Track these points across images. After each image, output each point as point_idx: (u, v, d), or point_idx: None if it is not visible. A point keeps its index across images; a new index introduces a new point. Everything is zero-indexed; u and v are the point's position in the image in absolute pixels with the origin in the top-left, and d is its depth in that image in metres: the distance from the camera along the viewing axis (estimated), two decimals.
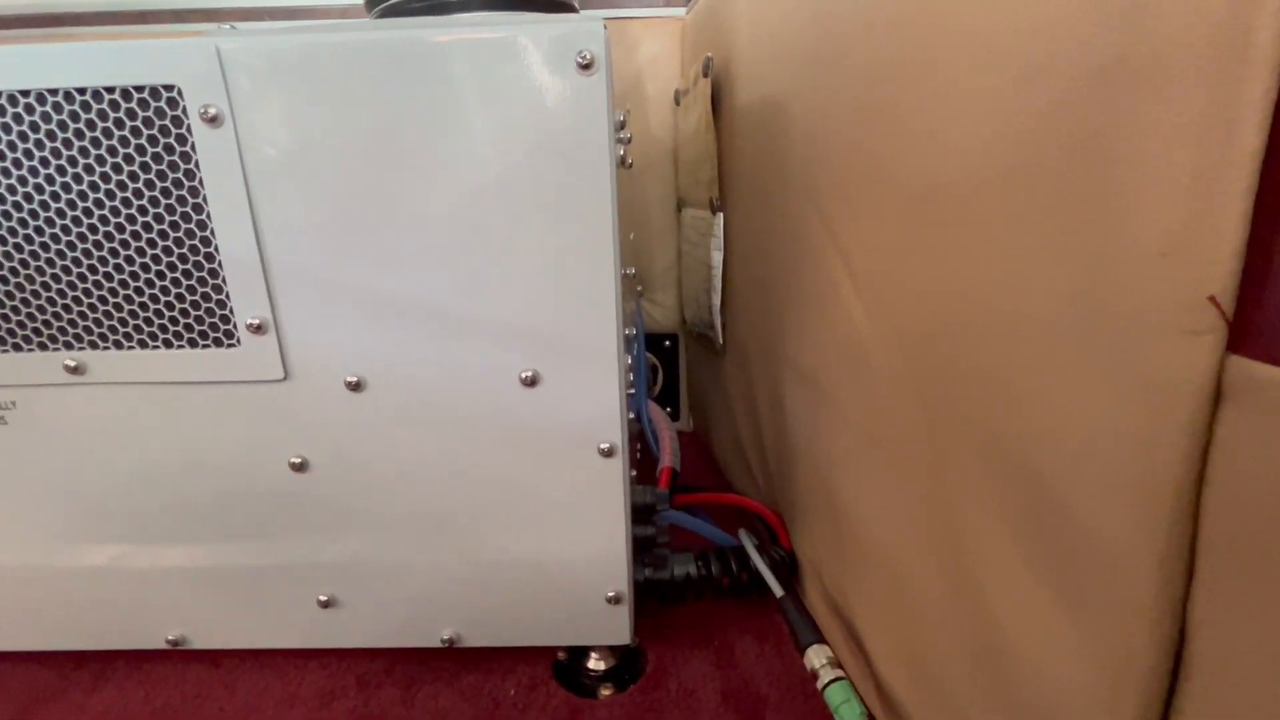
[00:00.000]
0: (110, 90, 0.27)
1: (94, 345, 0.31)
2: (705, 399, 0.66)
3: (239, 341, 0.31)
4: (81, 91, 0.28)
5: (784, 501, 0.44)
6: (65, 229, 0.29)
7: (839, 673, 0.32)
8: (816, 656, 0.32)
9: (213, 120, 0.28)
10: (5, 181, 0.29)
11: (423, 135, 0.28)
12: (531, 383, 0.31)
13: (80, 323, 0.31)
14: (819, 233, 0.34)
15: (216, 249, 0.29)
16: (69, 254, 0.30)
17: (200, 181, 0.29)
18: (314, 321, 0.31)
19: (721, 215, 0.50)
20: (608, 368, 0.31)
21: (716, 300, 0.52)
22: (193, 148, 0.28)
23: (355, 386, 0.31)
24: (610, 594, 0.35)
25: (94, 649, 0.38)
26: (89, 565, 0.35)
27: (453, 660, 0.38)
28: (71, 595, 0.36)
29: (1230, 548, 0.14)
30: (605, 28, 0.27)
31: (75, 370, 0.31)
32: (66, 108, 0.28)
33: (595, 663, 0.38)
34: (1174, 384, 0.14)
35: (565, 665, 0.38)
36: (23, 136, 0.28)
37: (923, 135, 0.24)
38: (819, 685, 0.32)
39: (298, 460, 0.33)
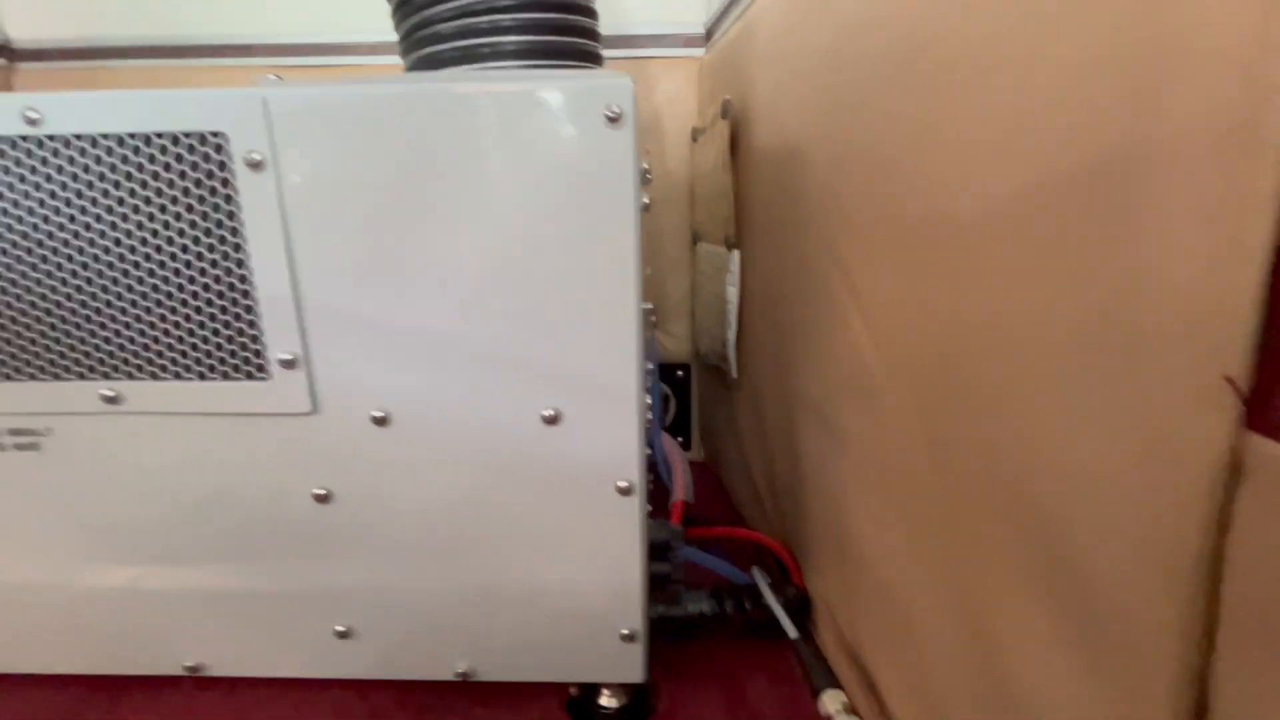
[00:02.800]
0: (161, 135, 0.29)
1: (130, 376, 0.32)
2: (717, 430, 0.66)
3: (270, 375, 0.32)
4: (134, 136, 0.29)
5: (796, 537, 0.44)
6: (110, 265, 0.30)
7: (854, 719, 0.32)
8: (831, 702, 0.32)
9: (256, 165, 0.29)
10: (56, 219, 0.30)
11: (453, 182, 0.29)
12: (552, 421, 0.32)
13: (119, 354, 0.32)
14: (833, 275, 0.35)
15: (253, 286, 0.30)
16: (113, 288, 0.31)
17: (241, 222, 0.30)
18: (343, 357, 0.31)
19: (737, 252, 0.51)
20: (628, 408, 0.32)
21: (731, 335, 0.53)
22: (235, 190, 0.29)
23: (381, 421, 0.32)
24: (625, 631, 0.35)
25: (114, 674, 0.38)
26: (112, 589, 0.36)
27: (465, 694, 0.38)
28: (93, 619, 0.37)
29: (1250, 623, 0.14)
30: (633, 83, 0.28)
31: (111, 400, 0.32)
32: (119, 150, 0.29)
33: (607, 700, 0.38)
34: (1192, 458, 0.14)
35: (578, 701, 0.38)
36: (74, 177, 0.29)
37: (941, 187, 0.25)
38: None
39: (322, 492, 0.33)
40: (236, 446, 0.33)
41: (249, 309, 0.31)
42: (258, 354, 0.32)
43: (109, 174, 0.29)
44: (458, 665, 0.36)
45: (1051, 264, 0.19)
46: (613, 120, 0.28)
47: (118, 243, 0.30)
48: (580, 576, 0.34)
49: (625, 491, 0.33)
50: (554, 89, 0.28)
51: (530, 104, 0.28)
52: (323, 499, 0.34)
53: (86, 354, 0.32)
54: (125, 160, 0.29)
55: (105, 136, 0.29)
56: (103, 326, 0.31)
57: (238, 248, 0.30)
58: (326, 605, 0.36)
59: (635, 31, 0.64)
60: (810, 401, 0.39)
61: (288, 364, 0.31)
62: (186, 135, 0.29)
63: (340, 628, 0.36)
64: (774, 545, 0.45)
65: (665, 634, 0.39)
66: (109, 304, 0.31)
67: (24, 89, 0.67)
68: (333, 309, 0.31)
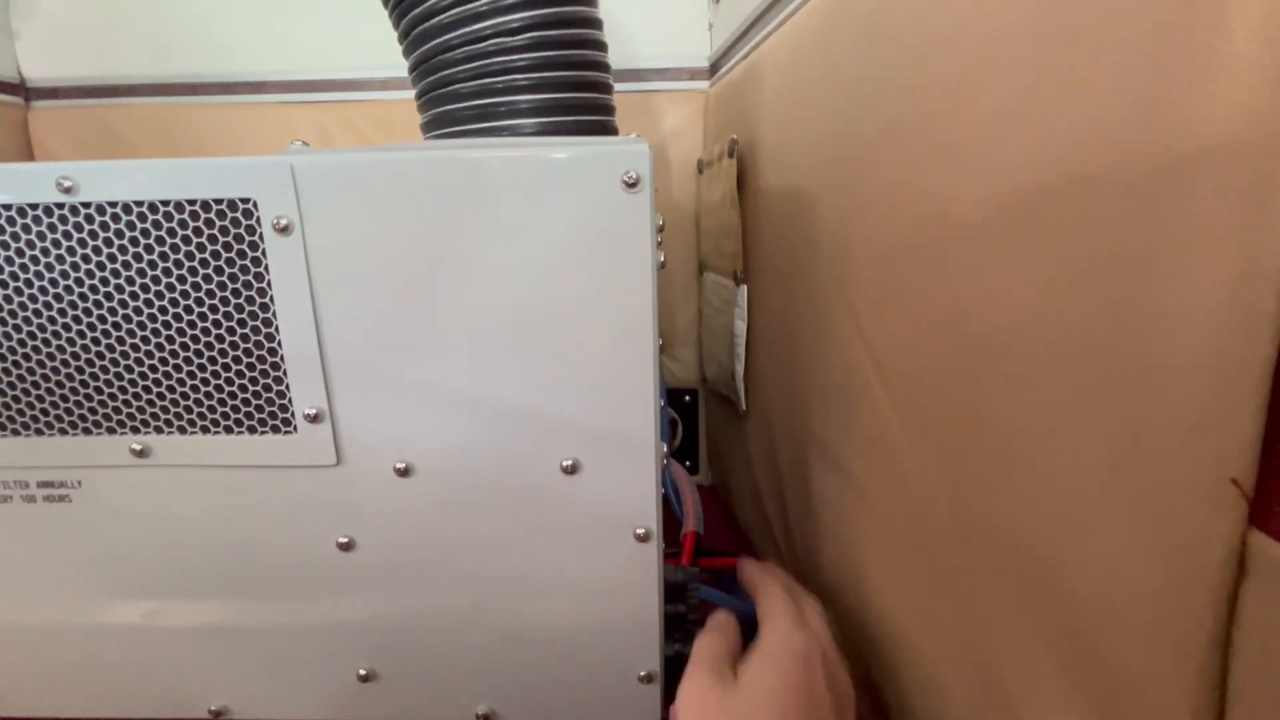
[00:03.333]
0: (192, 202, 0.30)
1: (159, 430, 0.33)
2: (725, 455, 0.67)
3: (296, 429, 0.33)
4: (165, 203, 0.30)
5: (810, 577, 0.45)
6: (142, 325, 0.31)
7: None
8: None
9: (284, 230, 0.30)
10: (90, 282, 0.31)
11: (473, 244, 0.30)
12: (572, 470, 0.33)
13: (149, 409, 0.33)
14: (846, 325, 0.35)
15: (280, 345, 0.31)
16: (144, 347, 0.32)
17: (269, 284, 0.31)
18: (367, 411, 0.32)
19: (745, 287, 0.52)
20: (645, 458, 0.32)
21: (740, 368, 0.54)
22: (264, 253, 0.30)
23: (404, 472, 0.33)
24: (643, 673, 0.36)
25: (139, 718, 0.39)
26: (137, 635, 0.37)
27: None
28: (119, 664, 0.37)
29: (1256, 706, 0.15)
30: (650, 149, 0.29)
31: (140, 453, 0.33)
32: (151, 217, 0.30)
33: None
34: (1199, 552, 0.15)
35: None
36: (108, 243, 0.30)
37: (956, 248, 0.25)
38: None
39: (345, 540, 0.34)
40: (262, 497, 0.34)
41: (276, 366, 0.32)
42: (284, 409, 0.32)
43: (141, 239, 0.30)
44: (479, 708, 0.37)
45: (1066, 330, 0.20)
46: (630, 186, 0.29)
47: (149, 304, 0.31)
48: (598, 619, 0.35)
49: (643, 539, 0.33)
50: (572, 155, 0.29)
51: (549, 170, 0.29)
52: (346, 547, 0.34)
53: (117, 409, 0.33)
54: (157, 225, 0.30)
55: (138, 204, 0.30)
56: (133, 383, 0.32)
57: (265, 308, 0.31)
58: (349, 649, 0.36)
59: (640, 66, 0.65)
60: (825, 445, 0.40)
61: (313, 418, 0.32)
62: (217, 202, 0.30)
63: (363, 671, 0.37)
64: None
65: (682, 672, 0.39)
66: (140, 361, 0.32)
67: (38, 126, 0.68)
68: (357, 365, 0.32)
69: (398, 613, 0.36)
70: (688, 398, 0.72)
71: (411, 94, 0.40)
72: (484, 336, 0.31)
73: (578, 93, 0.35)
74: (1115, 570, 0.18)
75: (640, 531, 0.33)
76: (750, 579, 0.36)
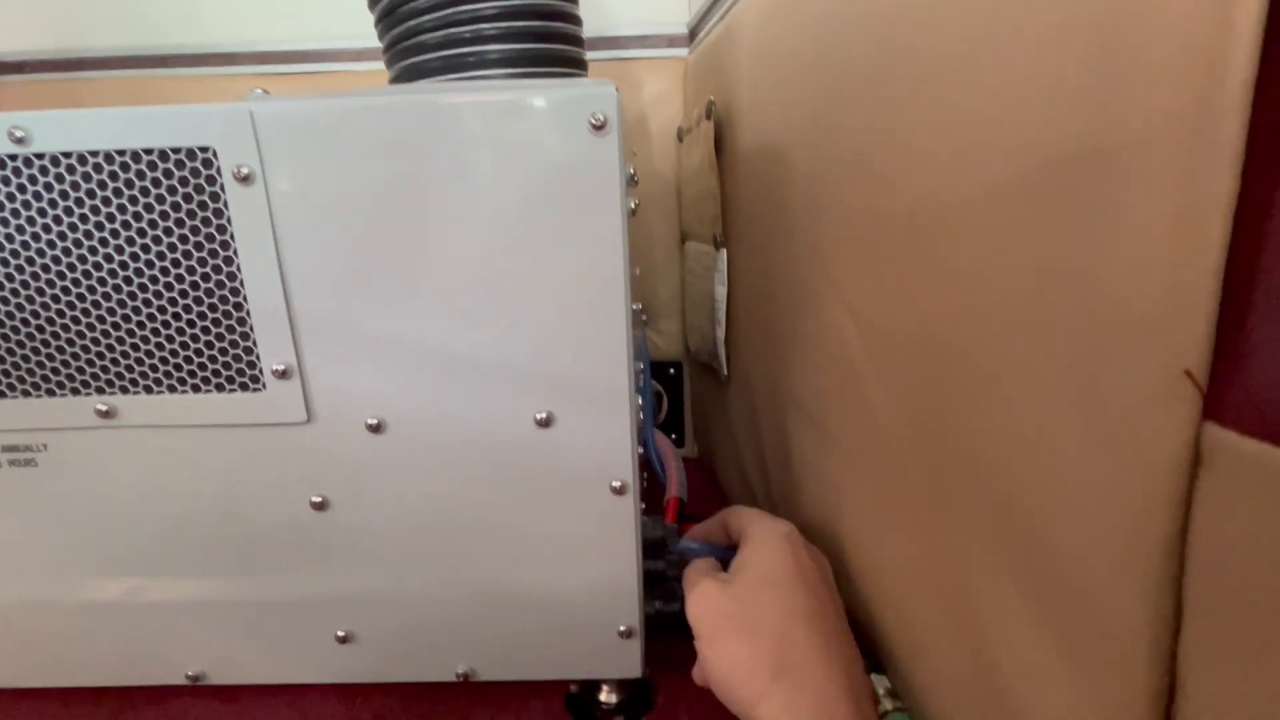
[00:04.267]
0: (149, 151, 0.29)
1: (125, 390, 0.32)
2: (710, 426, 0.67)
3: (264, 386, 0.32)
4: (121, 153, 0.29)
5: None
6: (102, 280, 0.31)
7: (898, 703, 0.32)
8: (877, 684, 0.32)
9: (245, 179, 0.29)
10: (46, 237, 0.30)
11: (441, 192, 0.29)
12: (546, 424, 0.32)
13: (112, 368, 0.32)
14: (820, 276, 0.35)
15: (245, 299, 0.31)
16: (104, 304, 0.31)
17: (231, 236, 0.30)
18: (336, 366, 0.32)
19: (725, 251, 0.51)
20: (619, 409, 0.32)
21: (721, 333, 0.53)
22: (225, 205, 0.30)
23: (376, 428, 0.33)
24: (622, 628, 0.36)
25: (114, 685, 0.38)
26: (112, 602, 0.36)
27: (466, 694, 0.39)
28: (93, 631, 0.37)
29: (1212, 608, 0.15)
30: (617, 90, 0.28)
31: (106, 414, 0.33)
32: (107, 168, 0.29)
33: (607, 695, 0.39)
34: (1155, 448, 0.15)
35: (577, 698, 0.39)
36: (64, 195, 0.29)
37: (920, 192, 0.25)
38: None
39: (318, 499, 0.34)
40: (232, 457, 0.33)
41: (242, 321, 0.31)
42: (251, 365, 0.32)
43: (98, 191, 0.29)
44: (458, 666, 0.37)
45: (1024, 261, 0.20)
46: (598, 128, 0.28)
47: (109, 258, 0.30)
48: (577, 575, 0.35)
49: (619, 491, 0.33)
50: (538, 98, 0.28)
51: (515, 113, 0.29)
52: (320, 506, 0.34)
53: (80, 369, 0.32)
54: (114, 177, 0.29)
55: (93, 154, 0.29)
56: (96, 341, 0.32)
57: (229, 261, 0.30)
58: (326, 610, 0.36)
59: (618, 33, 0.64)
60: (803, 402, 0.40)
61: (281, 374, 0.32)
62: (175, 151, 0.29)
63: (341, 632, 0.36)
64: None
65: (663, 630, 0.39)
66: (101, 319, 0.31)
67: (4, 101, 0.67)
68: (325, 319, 0.31)
69: (374, 573, 0.35)
70: (672, 370, 0.72)
71: (385, 69, 0.39)
72: (454, 286, 0.30)
73: (547, 43, 0.34)
74: (1073, 483, 0.18)
75: (616, 484, 0.33)
76: (721, 515, 0.37)
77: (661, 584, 0.38)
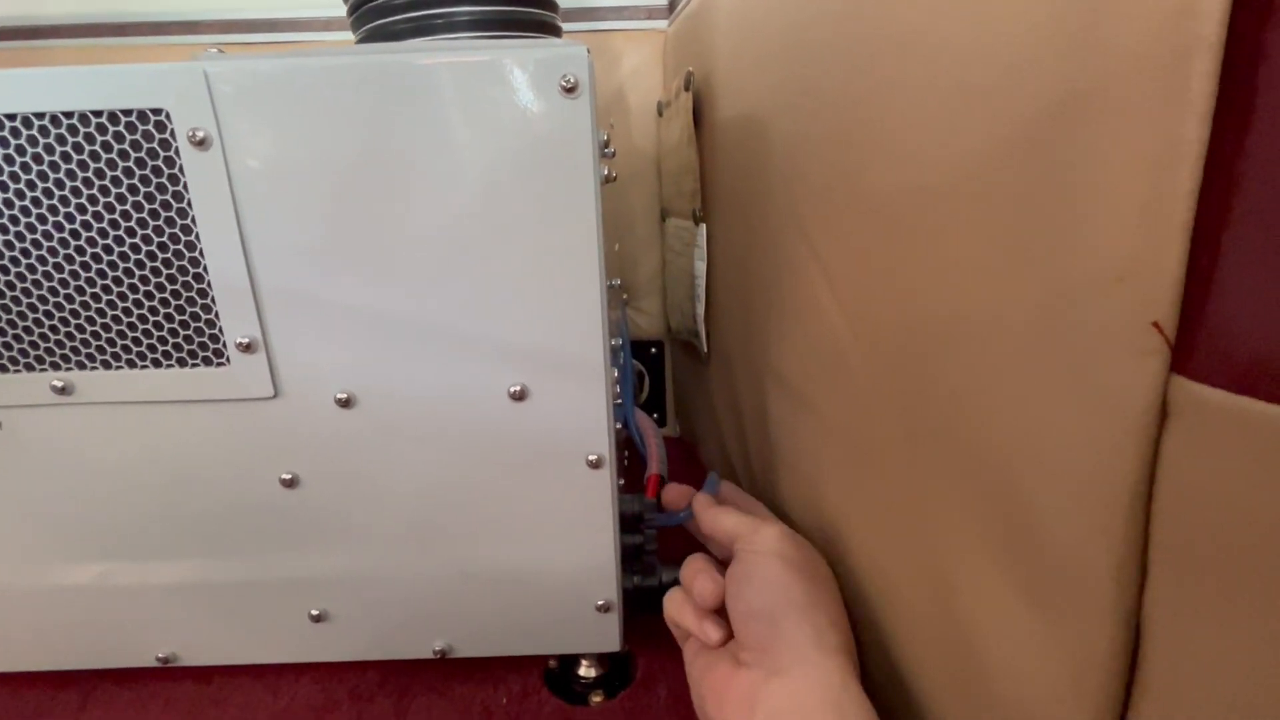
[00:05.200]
0: (98, 114, 0.28)
1: (81, 365, 0.31)
2: (691, 405, 0.67)
3: (228, 360, 0.31)
4: (69, 115, 0.28)
5: (769, 500, 0.45)
6: (53, 250, 0.29)
7: None
8: None
9: (201, 143, 0.28)
10: None
11: (409, 156, 0.28)
12: (520, 397, 0.32)
13: (68, 343, 0.31)
14: (799, 246, 0.35)
15: (205, 269, 0.30)
16: (56, 275, 0.30)
17: (189, 203, 0.29)
18: (304, 339, 0.31)
19: (704, 226, 0.51)
20: (594, 381, 0.32)
21: (700, 309, 0.53)
22: (181, 170, 0.28)
23: (345, 403, 0.32)
24: (600, 602, 0.36)
25: (82, 669, 0.38)
26: (77, 584, 0.35)
27: (444, 671, 0.38)
28: (60, 615, 0.36)
29: (1177, 556, 0.15)
30: (589, 52, 0.28)
31: (63, 390, 0.31)
32: (54, 131, 0.28)
33: (586, 670, 0.39)
34: (1125, 400, 0.15)
35: (556, 673, 0.39)
36: (9, 160, 0.28)
37: (896, 156, 0.25)
38: None
39: (288, 476, 0.33)
40: (196, 434, 0.32)
41: (203, 293, 0.30)
42: (214, 339, 0.31)
43: (45, 155, 0.28)
44: (436, 643, 0.37)
45: (1000, 221, 0.19)
46: (569, 90, 0.27)
47: (59, 227, 0.29)
48: (554, 550, 0.35)
49: (595, 464, 0.33)
50: (508, 59, 0.27)
51: (484, 74, 0.28)
52: (289, 484, 0.33)
53: (33, 344, 0.31)
54: (62, 140, 0.28)
55: (39, 116, 0.28)
56: (49, 315, 0.30)
57: (187, 230, 0.29)
58: (299, 590, 0.36)
59: (596, 4, 0.63)
60: (781, 373, 0.40)
61: (246, 348, 0.31)
62: (126, 113, 0.28)
63: (315, 611, 0.36)
64: None
65: (641, 605, 0.39)
66: (54, 291, 0.30)
67: None
68: (291, 290, 0.30)
69: (347, 550, 0.35)
70: (654, 350, 0.71)
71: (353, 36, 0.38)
72: (424, 255, 0.30)
73: (518, 5, 0.33)
74: (1048, 441, 0.18)
75: (593, 458, 0.33)
76: (702, 519, 0.36)
77: (640, 559, 0.38)
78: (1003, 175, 0.19)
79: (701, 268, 0.51)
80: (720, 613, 0.32)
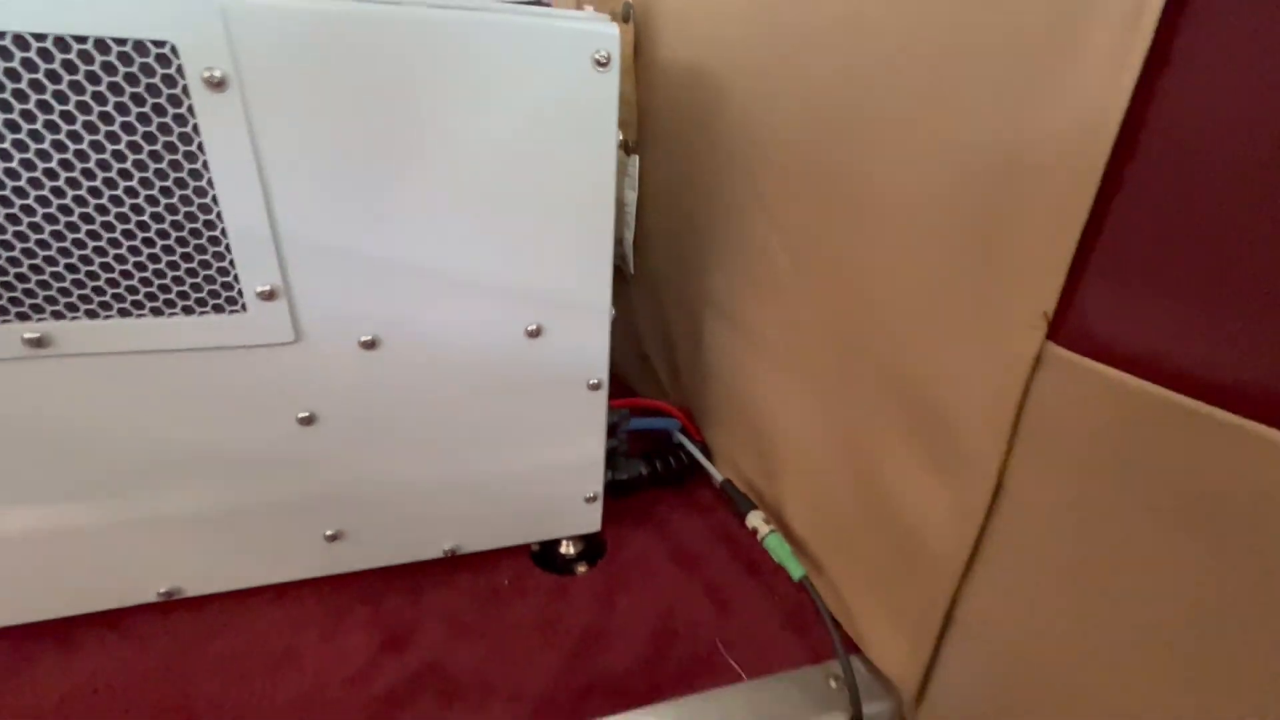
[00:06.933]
0: (81, 39, 0.25)
1: (93, 315, 0.29)
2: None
3: (243, 308, 0.31)
4: (42, 37, 0.24)
5: (696, 405, 0.55)
6: (36, 182, 0.26)
7: (773, 527, 0.44)
8: (755, 518, 0.44)
9: (216, 84, 0.26)
10: None
11: (440, 108, 0.30)
12: (535, 334, 0.36)
13: (75, 291, 0.28)
14: (751, 203, 0.42)
15: (219, 217, 0.29)
16: (51, 217, 0.27)
17: (200, 147, 0.27)
18: (328, 286, 0.32)
19: (636, 157, 0.55)
20: (600, 318, 0.37)
21: (629, 235, 0.58)
22: (191, 111, 0.27)
23: (370, 345, 0.34)
24: (589, 494, 0.43)
25: (78, 613, 0.37)
26: (75, 526, 0.34)
27: (445, 567, 0.44)
28: (56, 560, 0.35)
29: (1029, 448, 0.26)
30: (619, 31, 0.30)
31: (38, 343, 0.29)
32: (19, 53, 0.24)
33: (567, 548, 0.47)
34: (1016, 352, 0.26)
35: (541, 554, 0.47)
36: None
37: (863, 146, 0.33)
38: (760, 538, 0.44)
39: (305, 415, 0.35)
40: (213, 378, 0.32)
41: (215, 240, 0.29)
42: (227, 286, 0.30)
43: (7, 82, 0.24)
44: (445, 544, 0.42)
45: (949, 228, 0.28)
46: (601, 65, 0.30)
47: (45, 156, 0.26)
48: (555, 455, 0.41)
49: (595, 387, 0.39)
50: (549, 26, 0.29)
51: (523, 38, 0.29)
52: (307, 421, 0.35)
53: (15, 293, 0.28)
54: (30, 66, 0.24)
55: (15, 38, 0.24)
56: (52, 261, 0.27)
57: (197, 175, 0.28)
58: (314, 516, 0.38)
59: None
60: (717, 299, 0.48)
61: (267, 295, 0.31)
62: (118, 42, 0.25)
63: (330, 532, 0.39)
64: (674, 411, 0.56)
65: (611, 494, 0.48)
66: (59, 235, 0.27)
67: None
68: (314, 237, 0.31)
69: (364, 477, 0.38)
70: None
71: None
72: (449, 203, 0.32)
73: None
74: (954, 362, 0.28)
75: (593, 381, 0.39)
76: None
77: (614, 459, 0.46)
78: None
79: (632, 196, 0.56)
80: None
